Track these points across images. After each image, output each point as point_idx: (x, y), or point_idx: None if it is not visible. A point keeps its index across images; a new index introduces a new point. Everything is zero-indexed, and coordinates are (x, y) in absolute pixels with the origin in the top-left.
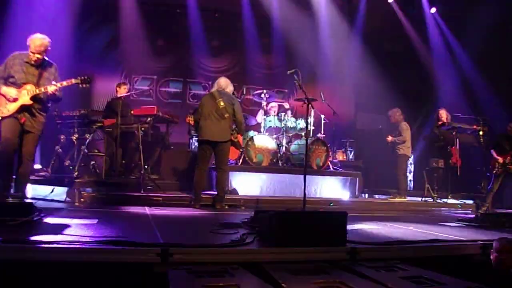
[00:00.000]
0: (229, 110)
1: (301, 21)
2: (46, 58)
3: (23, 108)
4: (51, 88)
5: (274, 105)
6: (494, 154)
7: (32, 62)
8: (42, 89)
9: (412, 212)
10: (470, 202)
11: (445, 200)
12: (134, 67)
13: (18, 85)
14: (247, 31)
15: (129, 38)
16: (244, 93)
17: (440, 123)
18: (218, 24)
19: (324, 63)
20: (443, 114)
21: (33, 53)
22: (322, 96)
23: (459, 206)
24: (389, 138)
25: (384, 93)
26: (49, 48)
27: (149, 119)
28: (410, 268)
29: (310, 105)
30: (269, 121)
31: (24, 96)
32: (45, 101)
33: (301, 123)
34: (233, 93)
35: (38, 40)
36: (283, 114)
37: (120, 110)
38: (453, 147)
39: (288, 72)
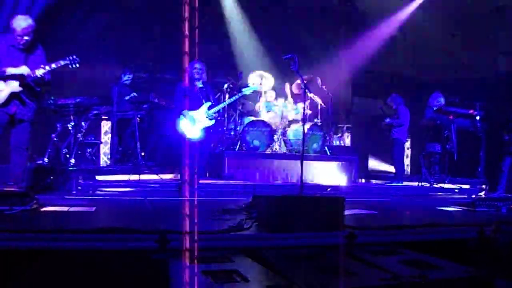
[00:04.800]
0: None
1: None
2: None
3: (12, 96)
4: (39, 72)
5: (272, 91)
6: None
7: (20, 46)
8: (31, 74)
9: (409, 196)
10: (467, 186)
11: (442, 184)
12: (130, 54)
13: (3, 71)
14: (242, 16)
15: (125, 24)
16: (241, 79)
17: (436, 108)
18: (213, 9)
19: (320, 48)
20: (440, 98)
21: (21, 36)
22: (319, 82)
23: (456, 190)
24: (387, 120)
25: (380, 77)
26: (34, 27)
27: (144, 105)
28: (408, 252)
29: (307, 90)
30: (266, 106)
31: (13, 83)
32: (35, 87)
33: (298, 109)
34: (198, 77)
35: (23, 22)
36: (280, 99)
37: (117, 97)
38: (450, 131)
39: (284, 57)
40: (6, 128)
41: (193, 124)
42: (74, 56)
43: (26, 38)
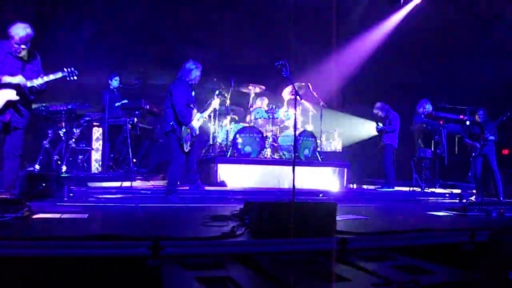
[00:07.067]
0: (168, 101)
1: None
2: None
3: (8, 104)
4: (37, 81)
5: (263, 97)
6: (469, 142)
7: (17, 54)
8: (29, 83)
9: (400, 202)
10: (458, 191)
11: (432, 189)
12: (121, 60)
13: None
14: (235, 22)
15: (116, 30)
16: (232, 85)
17: (424, 114)
18: (206, 15)
19: (312, 54)
20: (426, 105)
21: (18, 44)
22: (310, 88)
23: (447, 195)
24: (379, 126)
25: (372, 83)
26: (33, 36)
27: (136, 112)
28: (400, 257)
29: (298, 97)
30: (257, 113)
31: (9, 91)
32: (29, 95)
33: (289, 115)
34: (191, 81)
35: (22, 31)
36: (271, 105)
37: (108, 104)
38: (440, 136)
39: (276, 63)
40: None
41: (188, 134)
42: (73, 69)
43: (23, 46)
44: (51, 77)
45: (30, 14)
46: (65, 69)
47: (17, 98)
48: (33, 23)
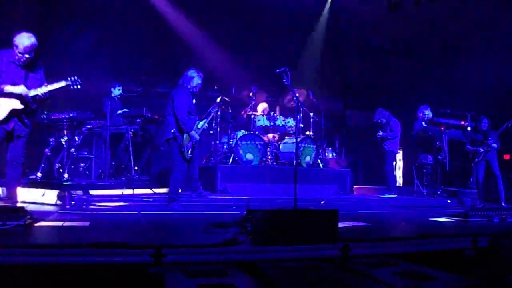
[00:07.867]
0: (170, 108)
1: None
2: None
3: (12, 113)
4: (41, 90)
5: (264, 104)
6: (471, 149)
7: (21, 63)
8: (33, 92)
9: (402, 208)
10: (460, 197)
11: (434, 195)
12: (122, 67)
13: (1, 89)
14: (235, 28)
15: (118, 38)
16: (233, 92)
17: (424, 119)
18: (206, 21)
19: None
20: (426, 110)
21: (22, 53)
22: (311, 95)
23: (449, 201)
24: (380, 133)
25: (373, 89)
26: (37, 45)
27: (138, 120)
28: (403, 263)
29: (299, 104)
30: (258, 120)
31: (14, 100)
32: (32, 104)
33: (290, 122)
34: (192, 88)
35: (27, 40)
36: (272, 113)
37: (109, 111)
38: (442, 142)
39: (277, 71)
40: (1, 143)
41: (190, 142)
42: (76, 77)
43: (27, 56)
44: (55, 85)
45: (32, 22)
46: (68, 78)
47: (21, 107)
48: (35, 31)
